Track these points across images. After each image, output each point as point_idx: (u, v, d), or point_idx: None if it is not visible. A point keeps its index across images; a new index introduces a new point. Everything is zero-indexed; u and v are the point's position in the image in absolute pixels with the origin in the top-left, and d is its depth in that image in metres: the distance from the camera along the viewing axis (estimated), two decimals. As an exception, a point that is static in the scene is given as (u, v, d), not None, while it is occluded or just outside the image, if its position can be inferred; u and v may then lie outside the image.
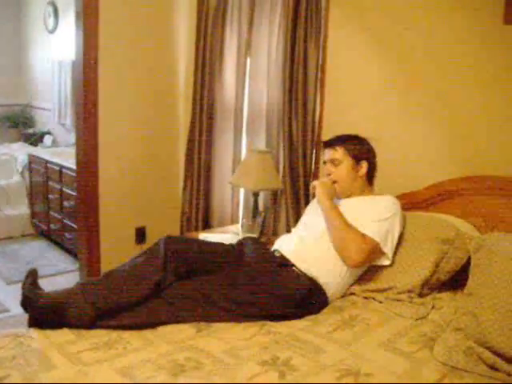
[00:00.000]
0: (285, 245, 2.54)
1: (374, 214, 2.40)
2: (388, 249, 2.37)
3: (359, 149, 2.58)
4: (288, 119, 3.30)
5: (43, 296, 2.02)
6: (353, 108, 3.10)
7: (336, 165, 2.59)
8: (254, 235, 3.07)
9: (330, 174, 2.61)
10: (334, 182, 2.58)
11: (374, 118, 2.99)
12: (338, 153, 2.58)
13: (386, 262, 2.39)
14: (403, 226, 2.46)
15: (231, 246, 2.60)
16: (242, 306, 2.15)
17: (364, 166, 2.57)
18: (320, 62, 3.20)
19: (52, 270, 4.42)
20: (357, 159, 2.57)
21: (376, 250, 2.34)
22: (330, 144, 2.63)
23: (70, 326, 1.98)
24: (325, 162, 2.66)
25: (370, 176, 2.62)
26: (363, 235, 2.33)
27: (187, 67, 4.00)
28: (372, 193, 2.62)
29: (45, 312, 1.98)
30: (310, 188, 2.70)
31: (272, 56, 3.44)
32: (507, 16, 2.41)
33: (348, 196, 2.59)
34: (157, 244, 2.32)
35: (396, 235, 2.40)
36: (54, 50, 5.90)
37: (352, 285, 2.43)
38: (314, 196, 2.64)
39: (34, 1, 6.35)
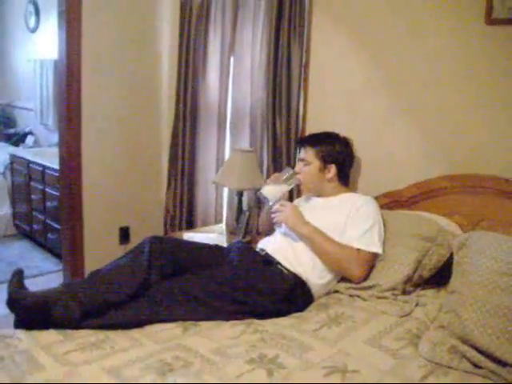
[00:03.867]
0: (269, 243, 2.56)
1: (360, 225, 2.41)
2: (380, 249, 2.40)
3: (329, 151, 2.59)
4: (272, 118, 3.31)
5: (29, 296, 2.00)
6: (336, 107, 3.12)
7: (305, 165, 2.62)
8: (242, 239, 3.09)
9: (299, 173, 2.64)
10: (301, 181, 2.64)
11: (357, 116, 3.01)
12: (308, 154, 2.62)
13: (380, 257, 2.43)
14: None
15: (216, 245, 2.62)
16: (228, 303, 2.16)
17: (332, 169, 2.59)
18: (303, 61, 3.21)
19: (35, 270, 4.39)
20: (325, 162, 2.59)
21: (374, 258, 2.39)
22: (303, 143, 2.66)
23: (57, 325, 1.97)
24: (299, 160, 2.69)
25: (343, 176, 2.64)
26: (358, 250, 2.36)
27: (171, 67, 4.00)
28: (349, 191, 2.64)
29: (31, 311, 1.97)
30: (273, 211, 2.57)
31: (256, 56, 3.44)
32: (488, 16, 2.45)
33: (318, 195, 2.62)
34: (142, 244, 2.33)
35: (382, 233, 2.44)
36: (36, 49, 5.85)
37: (337, 282, 2.45)
38: (275, 222, 2.59)
39: (14, -1, 6.28)
